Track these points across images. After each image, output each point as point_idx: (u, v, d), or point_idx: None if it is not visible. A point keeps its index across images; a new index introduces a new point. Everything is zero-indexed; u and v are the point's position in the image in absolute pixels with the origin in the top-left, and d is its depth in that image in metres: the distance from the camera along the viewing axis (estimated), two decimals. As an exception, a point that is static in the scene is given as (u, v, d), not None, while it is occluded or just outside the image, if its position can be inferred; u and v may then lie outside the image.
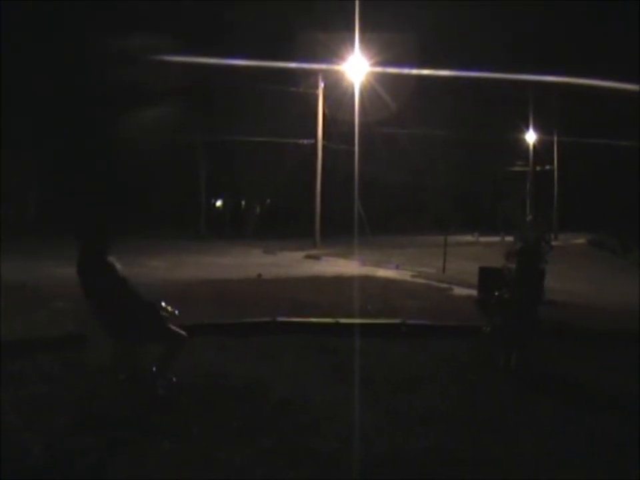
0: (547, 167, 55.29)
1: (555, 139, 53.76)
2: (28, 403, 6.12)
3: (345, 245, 28.91)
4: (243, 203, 53.92)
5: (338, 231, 35.25)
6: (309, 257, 27.01)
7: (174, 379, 6.27)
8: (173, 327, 6.20)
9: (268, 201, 54.22)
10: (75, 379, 6.90)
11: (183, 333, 6.21)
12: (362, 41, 30.66)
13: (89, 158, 40.26)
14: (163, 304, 6.30)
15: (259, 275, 17.48)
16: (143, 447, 5.25)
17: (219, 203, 56.13)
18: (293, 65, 34.25)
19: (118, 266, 6.18)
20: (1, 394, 6.29)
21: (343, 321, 9.91)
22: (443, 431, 5.70)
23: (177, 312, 6.39)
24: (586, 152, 50.41)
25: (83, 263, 6.18)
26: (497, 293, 8.18)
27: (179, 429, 5.60)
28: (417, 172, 51.66)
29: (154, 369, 6.15)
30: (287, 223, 46.76)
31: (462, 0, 44.33)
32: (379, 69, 33.15)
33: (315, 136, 34.78)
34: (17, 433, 5.42)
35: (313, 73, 34.68)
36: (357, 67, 31.59)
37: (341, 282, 16.21)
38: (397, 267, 21.42)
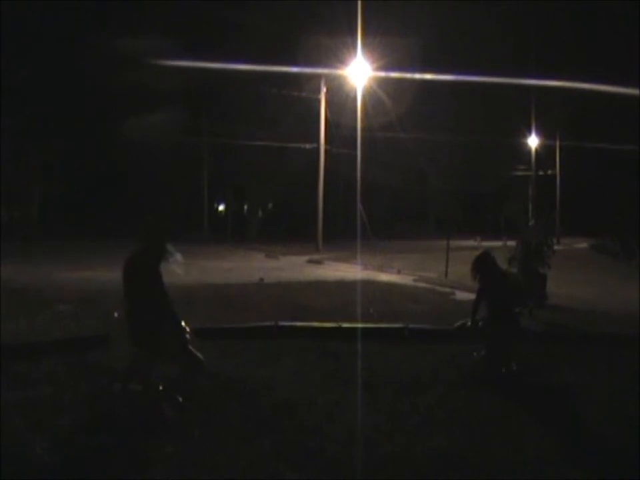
0: (550, 172, 55.24)
1: (557, 143, 53.71)
2: (32, 405, 6.13)
3: (347, 249, 28.92)
4: (246, 206, 53.94)
5: (340, 235, 35.28)
6: (311, 261, 27.02)
7: (180, 399, 6.22)
8: (193, 350, 6.18)
9: (270, 205, 54.26)
10: (81, 382, 6.91)
11: (200, 356, 6.18)
12: (364, 45, 30.72)
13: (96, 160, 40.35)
14: (183, 323, 6.27)
15: (261, 279, 17.48)
16: (146, 448, 5.27)
17: (221, 207, 56.14)
18: (295, 69, 34.29)
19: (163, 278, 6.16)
20: (6, 396, 6.31)
21: (345, 325, 9.91)
22: (445, 435, 5.70)
23: (196, 338, 6.41)
24: (589, 156, 50.37)
25: (134, 264, 6.18)
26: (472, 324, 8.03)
27: (182, 431, 5.62)
28: (419, 176, 51.65)
29: (160, 388, 6.11)
30: (289, 227, 46.73)
31: (465, 3, 44.40)
32: (381, 73, 33.19)
33: (317, 140, 34.79)
34: (21, 435, 5.43)
35: (316, 77, 34.71)
36: (359, 71, 31.61)
37: (343, 286, 16.21)
38: (399, 272, 21.39)
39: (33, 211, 45.29)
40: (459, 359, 8.23)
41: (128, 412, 6.05)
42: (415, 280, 18.91)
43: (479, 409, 6.49)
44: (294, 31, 36.55)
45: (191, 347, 6.15)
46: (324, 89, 34.59)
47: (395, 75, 34.76)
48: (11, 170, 38.02)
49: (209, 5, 39.28)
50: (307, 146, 36.96)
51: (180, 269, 6.40)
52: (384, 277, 19.49)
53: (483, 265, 8.05)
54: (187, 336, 6.19)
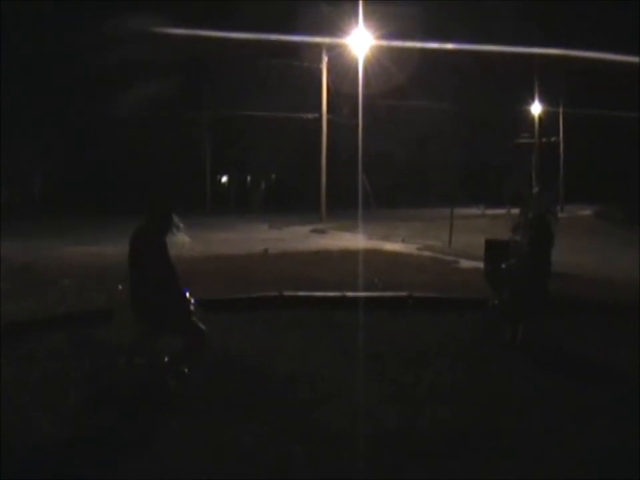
0: (553, 139, 54.97)
1: (561, 110, 53.40)
2: (36, 382, 6.17)
3: (350, 219, 28.85)
4: (249, 178, 53.79)
5: (344, 205, 35.16)
6: (314, 231, 26.99)
7: (186, 371, 6.18)
8: (197, 322, 6.16)
9: (273, 176, 54.10)
10: (86, 357, 6.91)
11: (203, 328, 6.17)
12: (366, 13, 30.43)
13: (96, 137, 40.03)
14: (187, 295, 6.26)
15: (266, 250, 17.47)
16: (150, 424, 5.31)
17: (224, 179, 55.99)
18: (296, 38, 34.01)
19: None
20: (10, 373, 6.34)
21: (349, 294, 9.92)
22: (450, 405, 5.72)
23: (201, 309, 6.39)
24: (592, 123, 50.09)
25: (142, 236, 6.16)
26: (504, 265, 8.12)
27: (187, 405, 5.65)
28: (422, 145, 51.40)
29: (166, 359, 6.13)
30: (292, 198, 46.61)
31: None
32: (383, 42, 32.89)
33: (319, 110, 34.62)
34: (25, 412, 5.47)
35: (317, 47, 34.46)
36: (361, 40, 31.35)
37: (347, 256, 16.20)
38: (403, 241, 21.37)
39: (35, 189, 45.13)
40: (463, 328, 8.26)
41: (133, 386, 6.07)
42: (418, 249, 18.89)
43: (483, 380, 6.51)
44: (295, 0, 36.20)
45: (194, 319, 6.15)
46: (325, 58, 34.35)
47: (397, 43, 34.44)
48: (12, 152, 37.76)
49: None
50: (309, 116, 36.79)
51: (186, 240, 6.38)
52: (388, 246, 19.47)
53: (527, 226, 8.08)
54: (191, 307, 6.19)
